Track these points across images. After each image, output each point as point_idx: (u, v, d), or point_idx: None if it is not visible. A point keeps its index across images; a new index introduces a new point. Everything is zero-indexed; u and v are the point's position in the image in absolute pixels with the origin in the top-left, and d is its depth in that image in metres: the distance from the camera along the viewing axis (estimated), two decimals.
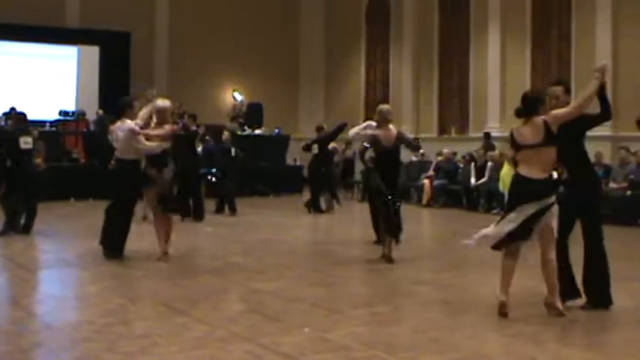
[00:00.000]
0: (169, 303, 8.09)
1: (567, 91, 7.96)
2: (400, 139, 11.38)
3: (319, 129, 19.21)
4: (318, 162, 18.64)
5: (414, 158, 22.01)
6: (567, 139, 7.52)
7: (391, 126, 11.34)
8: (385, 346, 6.40)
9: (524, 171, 7.49)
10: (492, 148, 20.56)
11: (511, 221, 7.42)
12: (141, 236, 12.23)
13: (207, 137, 19.24)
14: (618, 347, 6.56)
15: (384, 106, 11.66)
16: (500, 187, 16.16)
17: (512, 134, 7.63)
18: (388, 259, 10.77)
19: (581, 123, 7.65)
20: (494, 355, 6.34)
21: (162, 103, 11.22)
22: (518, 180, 7.58)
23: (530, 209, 7.37)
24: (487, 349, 6.58)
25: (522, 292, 8.83)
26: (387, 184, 10.87)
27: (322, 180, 18.95)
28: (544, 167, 7.46)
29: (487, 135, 21.70)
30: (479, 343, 6.68)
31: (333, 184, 19.60)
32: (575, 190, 7.80)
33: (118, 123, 11.07)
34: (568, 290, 7.82)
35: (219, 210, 17.94)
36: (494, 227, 7.57)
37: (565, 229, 7.73)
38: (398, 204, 11.03)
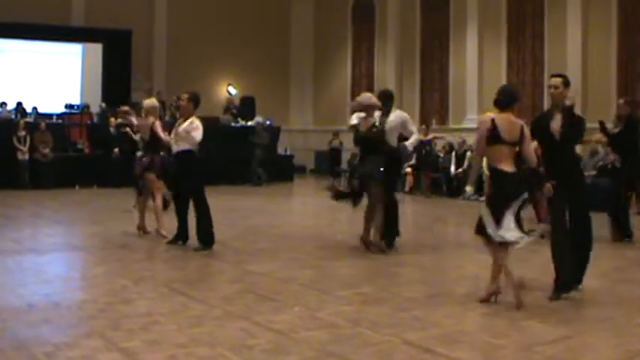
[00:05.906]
0: (169, 284, 8.10)
1: (566, 84, 7.85)
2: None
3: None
4: None
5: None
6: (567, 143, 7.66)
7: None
8: (370, 324, 6.41)
9: (501, 165, 7.23)
10: None
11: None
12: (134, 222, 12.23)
13: None
14: (588, 324, 6.59)
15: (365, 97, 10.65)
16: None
17: (494, 124, 7.23)
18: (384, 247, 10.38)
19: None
20: (472, 332, 6.37)
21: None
22: (500, 174, 7.28)
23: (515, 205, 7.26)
24: (465, 326, 6.60)
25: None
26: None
27: None
28: (513, 162, 7.32)
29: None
30: (458, 321, 6.69)
31: None
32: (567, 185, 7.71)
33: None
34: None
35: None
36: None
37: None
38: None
